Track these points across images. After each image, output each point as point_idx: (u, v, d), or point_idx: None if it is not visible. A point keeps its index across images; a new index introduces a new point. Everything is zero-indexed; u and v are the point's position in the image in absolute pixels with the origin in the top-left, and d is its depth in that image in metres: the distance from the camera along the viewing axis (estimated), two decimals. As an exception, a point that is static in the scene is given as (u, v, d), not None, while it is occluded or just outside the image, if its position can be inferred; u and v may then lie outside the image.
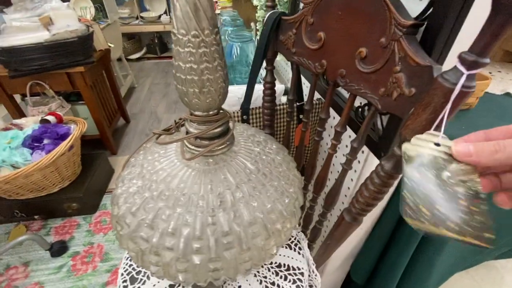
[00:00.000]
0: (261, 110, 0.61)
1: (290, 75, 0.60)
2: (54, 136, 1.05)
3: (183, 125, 0.39)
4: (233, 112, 0.61)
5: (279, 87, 0.63)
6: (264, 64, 0.53)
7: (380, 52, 0.32)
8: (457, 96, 0.23)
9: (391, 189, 0.56)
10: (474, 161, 0.20)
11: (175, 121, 0.40)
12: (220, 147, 0.35)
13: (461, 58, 0.22)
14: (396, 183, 0.33)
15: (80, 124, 1.14)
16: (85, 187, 1.19)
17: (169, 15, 3.01)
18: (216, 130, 0.34)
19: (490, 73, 0.71)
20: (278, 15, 0.46)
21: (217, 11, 1.42)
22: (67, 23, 1.20)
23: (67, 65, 1.22)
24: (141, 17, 3.02)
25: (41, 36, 1.15)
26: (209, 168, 0.35)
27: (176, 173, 0.34)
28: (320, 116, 0.46)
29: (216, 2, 1.69)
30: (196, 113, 0.33)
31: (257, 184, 0.35)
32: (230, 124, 0.38)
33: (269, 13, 0.47)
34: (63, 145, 1.01)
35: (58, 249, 1.06)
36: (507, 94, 0.60)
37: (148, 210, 0.32)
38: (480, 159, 0.20)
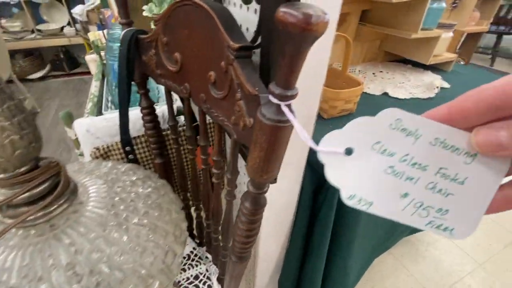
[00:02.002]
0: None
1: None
2: None
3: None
4: (115, 143, 0.52)
5: (164, 110, 0.57)
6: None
7: (223, 76, 0.28)
8: (274, 132, 0.20)
9: (294, 205, 0.55)
10: (510, 155, 0.14)
11: None
12: (41, 213, 0.27)
13: (270, 91, 0.19)
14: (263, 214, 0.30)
15: None
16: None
17: (74, 26, 2.67)
18: (30, 193, 0.26)
19: (373, 74, 0.78)
20: (133, 34, 0.40)
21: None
22: None
23: None
24: (38, 30, 2.61)
25: None
26: (31, 241, 0.26)
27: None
28: (199, 143, 0.41)
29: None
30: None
31: (103, 255, 0.28)
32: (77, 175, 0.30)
33: (124, 32, 0.40)
34: None
35: None
36: (385, 94, 0.66)
37: None
38: None
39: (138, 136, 0.53)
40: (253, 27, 0.34)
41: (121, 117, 0.47)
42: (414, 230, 1.02)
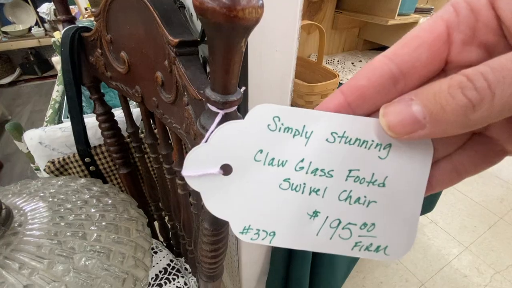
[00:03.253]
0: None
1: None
2: None
3: None
4: (73, 155, 0.47)
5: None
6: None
7: (170, 78, 0.24)
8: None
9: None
10: (430, 134, 0.10)
11: None
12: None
13: (207, 98, 0.15)
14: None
15: None
16: None
17: (43, 26, 2.52)
18: None
19: (352, 63, 0.75)
20: (75, 31, 0.35)
21: (85, 21, 1.21)
22: None
23: None
24: (4, 33, 2.45)
25: None
26: None
27: None
28: (161, 152, 0.37)
29: (86, 9, 1.45)
30: None
31: (41, 289, 0.24)
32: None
33: (64, 29, 0.35)
34: None
35: None
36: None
37: None
38: (445, 126, 0.10)
39: (100, 145, 0.48)
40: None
41: (74, 126, 0.42)
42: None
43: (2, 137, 1.82)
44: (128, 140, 0.48)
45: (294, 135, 0.11)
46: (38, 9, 2.16)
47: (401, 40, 0.11)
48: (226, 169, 0.12)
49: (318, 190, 0.12)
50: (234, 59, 0.13)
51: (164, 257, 0.54)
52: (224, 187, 0.12)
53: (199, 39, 0.22)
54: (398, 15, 0.64)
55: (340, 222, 0.12)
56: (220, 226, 0.24)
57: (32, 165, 0.50)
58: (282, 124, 0.11)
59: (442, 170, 0.12)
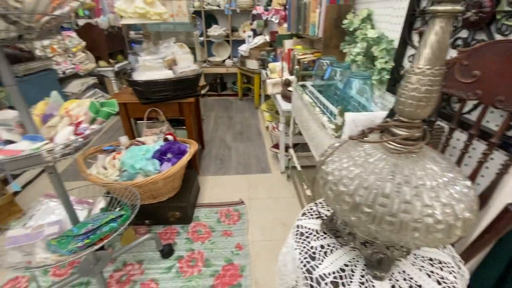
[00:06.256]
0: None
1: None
2: (176, 152, 1.26)
3: (370, 132, 0.54)
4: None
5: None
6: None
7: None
8: None
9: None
10: None
11: (363, 130, 0.55)
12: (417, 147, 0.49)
13: None
14: None
15: (192, 144, 1.35)
16: (187, 198, 1.36)
17: (232, 59, 3.46)
18: (419, 134, 0.48)
19: None
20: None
21: (313, 58, 1.69)
22: (187, 64, 1.50)
23: (182, 96, 1.49)
24: (208, 61, 3.51)
25: (167, 73, 1.45)
26: (403, 161, 0.48)
27: (379, 162, 0.48)
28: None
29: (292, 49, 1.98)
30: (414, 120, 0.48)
31: (438, 191, 0.47)
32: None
33: None
34: (185, 159, 1.22)
35: (168, 251, 1.19)
36: None
37: (361, 180, 0.45)
38: None
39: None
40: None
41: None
42: None
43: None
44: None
45: None
46: (239, 47, 3.05)
47: None
48: None
49: None
50: None
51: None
52: None
53: None
54: None
55: None
56: None
57: (334, 133, 0.82)
58: None
59: None
